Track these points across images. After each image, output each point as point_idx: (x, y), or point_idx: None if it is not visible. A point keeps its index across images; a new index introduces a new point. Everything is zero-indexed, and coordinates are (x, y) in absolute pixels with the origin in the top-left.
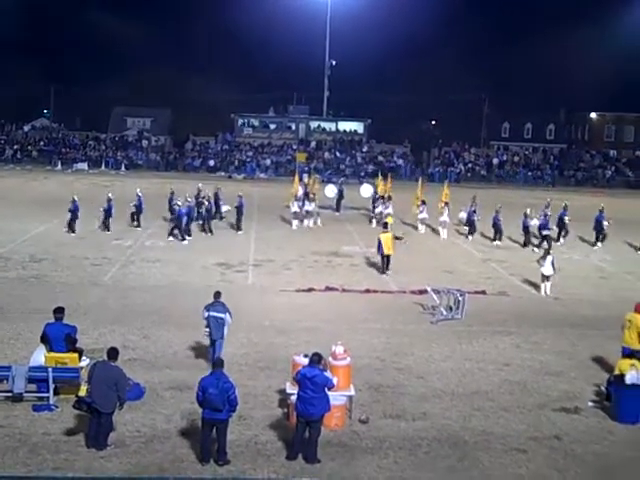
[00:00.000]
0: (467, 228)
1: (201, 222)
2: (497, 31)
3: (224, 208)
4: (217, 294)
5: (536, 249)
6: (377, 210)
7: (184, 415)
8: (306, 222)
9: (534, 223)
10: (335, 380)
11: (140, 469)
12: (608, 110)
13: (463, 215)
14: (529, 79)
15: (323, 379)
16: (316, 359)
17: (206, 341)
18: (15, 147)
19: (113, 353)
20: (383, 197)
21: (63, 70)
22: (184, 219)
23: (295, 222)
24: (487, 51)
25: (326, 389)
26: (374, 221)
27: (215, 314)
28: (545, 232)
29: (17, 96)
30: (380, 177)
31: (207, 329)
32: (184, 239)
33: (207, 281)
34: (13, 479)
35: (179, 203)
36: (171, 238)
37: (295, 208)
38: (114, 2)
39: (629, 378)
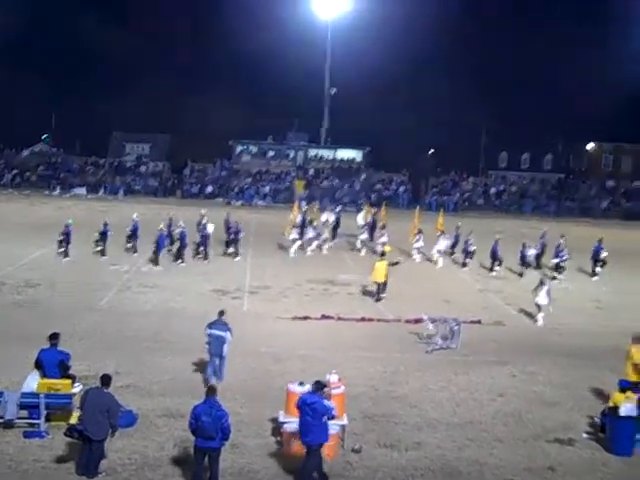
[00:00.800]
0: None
1: (199, 248)
2: (495, 62)
3: (210, 227)
4: (221, 313)
5: (559, 277)
6: (362, 237)
7: (177, 443)
8: (309, 249)
9: (531, 253)
10: (334, 410)
11: None
12: (606, 140)
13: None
14: (527, 109)
15: (322, 407)
16: (318, 387)
17: (202, 362)
18: (14, 172)
19: (106, 380)
20: (370, 225)
21: (63, 95)
22: (163, 244)
23: (293, 249)
24: (486, 81)
25: (325, 418)
26: (363, 250)
27: (216, 332)
28: (556, 260)
29: (16, 121)
30: (367, 205)
31: (207, 345)
32: (183, 261)
33: (203, 307)
34: None
35: (182, 225)
36: (179, 261)
37: (294, 235)
38: (115, 28)
39: (623, 410)
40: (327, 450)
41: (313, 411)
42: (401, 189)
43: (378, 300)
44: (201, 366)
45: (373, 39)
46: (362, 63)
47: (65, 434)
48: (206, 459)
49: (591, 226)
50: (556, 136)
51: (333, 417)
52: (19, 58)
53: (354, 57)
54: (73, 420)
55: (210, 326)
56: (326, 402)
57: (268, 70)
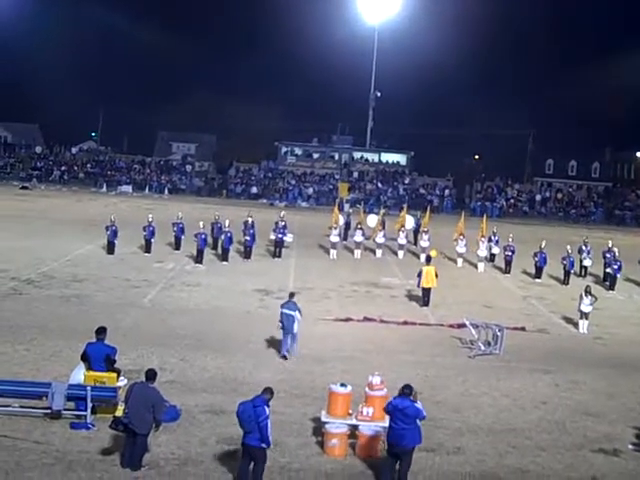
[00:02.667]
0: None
1: (245, 248)
2: (543, 67)
3: (288, 237)
4: (291, 295)
5: (612, 292)
6: (400, 241)
7: (219, 439)
8: (356, 252)
9: (588, 263)
10: (424, 411)
11: None
12: None
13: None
14: (575, 116)
15: (414, 411)
16: (407, 391)
17: (244, 360)
18: (63, 168)
19: (151, 374)
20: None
21: (112, 94)
22: (205, 243)
23: (333, 252)
24: (533, 87)
25: (417, 421)
26: (400, 253)
27: (287, 311)
28: (608, 270)
29: (66, 119)
30: (404, 210)
31: (280, 323)
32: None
33: (246, 307)
34: None
35: (227, 227)
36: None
37: (334, 238)
38: (164, 28)
39: None
40: (370, 451)
41: (405, 416)
42: (445, 194)
43: (426, 305)
44: (243, 365)
45: (419, 43)
46: (408, 67)
47: (110, 427)
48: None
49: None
50: (604, 144)
51: (424, 418)
52: (69, 58)
53: (400, 61)
54: (118, 413)
55: (282, 306)
56: (417, 405)
57: (314, 73)
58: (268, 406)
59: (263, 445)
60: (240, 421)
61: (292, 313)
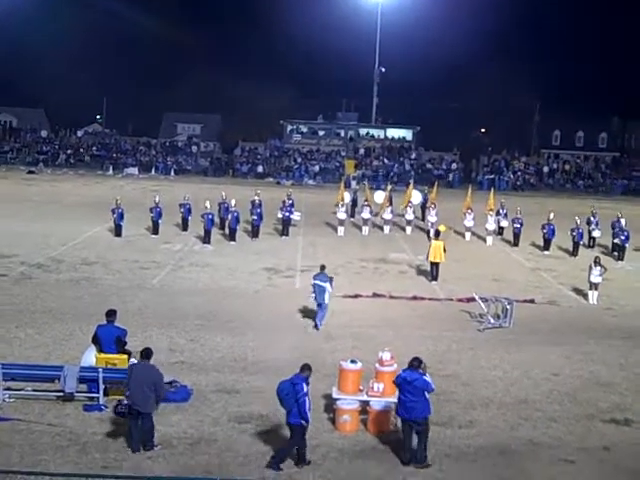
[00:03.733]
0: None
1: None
2: (548, 38)
3: (296, 215)
4: (322, 267)
5: (622, 262)
6: (408, 216)
7: (231, 418)
8: (364, 229)
9: (597, 234)
10: (433, 384)
11: (187, 470)
12: None
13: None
14: (581, 86)
15: (423, 383)
16: (416, 364)
17: (254, 339)
18: (69, 152)
19: (146, 353)
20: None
21: (116, 76)
22: (212, 223)
23: (341, 229)
24: (538, 58)
25: (426, 393)
26: (408, 228)
27: (319, 282)
28: (617, 241)
29: (71, 102)
30: (411, 185)
31: (313, 294)
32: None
33: (254, 286)
34: (63, 477)
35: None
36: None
37: (342, 215)
38: (166, 9)
39: None
40: (381, 426)
41: (414, 388)
42: (452, 167)
43: (434, 279)
44: (253, 344)
45: (423, 18)
46: (412, 42)
47: (115, 412)
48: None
49: None
50: (611, 114)
51: (433, 390)
52: (73, 41)
53: (404, 36)
54: None
55: (314, 277)
56: (426, 377)
57: (318, 50)
58: (307, 383)
59: (302, 422)
60: (280, 400)
61: (323, 284)
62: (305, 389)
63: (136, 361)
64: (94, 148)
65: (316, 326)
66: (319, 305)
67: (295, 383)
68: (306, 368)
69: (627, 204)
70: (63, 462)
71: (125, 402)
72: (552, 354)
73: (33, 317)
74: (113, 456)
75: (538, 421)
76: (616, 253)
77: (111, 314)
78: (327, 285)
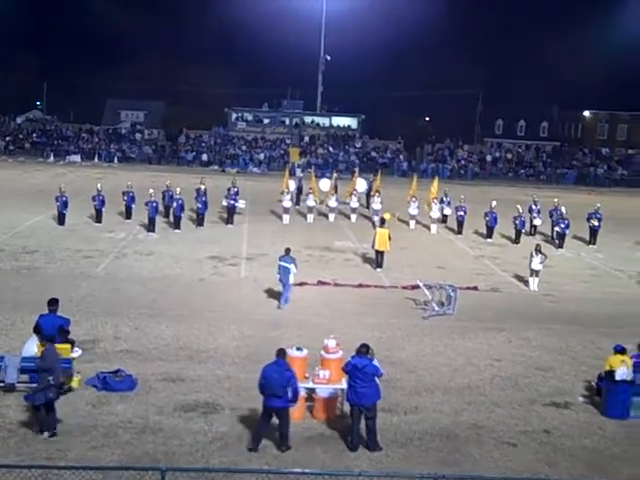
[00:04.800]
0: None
1: (198, 216)
2: (492, 28)
3: (241, 203)
4: (287, 250)
5: (561, 250)
6: (353, 204)
7: (176, 407)
8: (309, 217)
9: (538, 222)
10: (383, 369)
11: (133, 459)
12: (601, 108)
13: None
14: (523, 76)
15: (373, 369)
16: (364, 350)
17: (200, 328)
18: (8, 139)
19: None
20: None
21: (57, 61)
22: (155, 211)
23: (286, 217)
24: (482, 48)
25: (376, 378)
26: (353, 216)
27: (284, 264)
28: (557, 229)
29: (10, 87)
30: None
31: (278, 275)
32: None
33: (200, 274)
34: (5, 468)
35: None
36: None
37: (287, 203)
38: None
39: (619, 374)
40: (327, 413)
41: (364, 374)
42: (396, 156)
43: (379, 267)
44: (198, 332)
45: (368, 7)
46: (357, 30)
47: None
48: (273, 419)
49: (586, 194)
50: (552, 103)
51: (382, 375)
52: (12, 26)
53: (349, 24)
54: (74, 384)
55: (280, 259)
56: (375, 362)
57: (263, 37)
58: None
59: (290, 404)
60: (268, 386)
61: (289, 266)
62: (294, 373)
63: (80, 351)
64: (34, 135)
65: (279, 306)
66: (284, 285)
67: (285, 368)
68: (283, 352)
69: (568, 192)
70: (5, 453)
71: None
72: (495, 340)
73: None
74: (56, 447)
75: (481, 406)
76: (556, 241)
77: (53, 303)
78: (292, 266)
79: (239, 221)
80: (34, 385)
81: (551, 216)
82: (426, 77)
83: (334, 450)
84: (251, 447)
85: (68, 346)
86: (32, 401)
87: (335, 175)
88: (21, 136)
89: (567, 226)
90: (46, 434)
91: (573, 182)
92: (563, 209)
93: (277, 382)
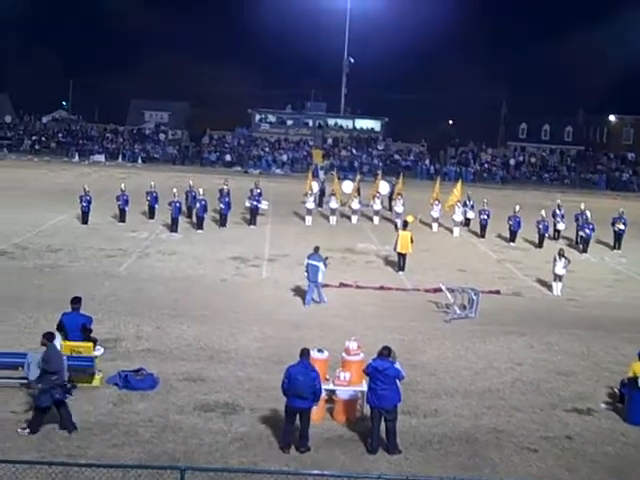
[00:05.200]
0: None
1: (221, 216)
2: (517, 32)
3: (263, 204)
4: (316, 248)
5: (585, 254)
6: (375, 207)
7: (197, 406)
8: (331, 219)
9: (562, 227)
10: (404, 371)
11: (152, 458)
12: (627, 113)
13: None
14: (548, 80)
15: (394, 371)
16: (386, 352)
17: (221, 328)
18: (33, 138)
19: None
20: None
21: (82, 62)
22: (179, 212)
23: (308, 218)
24: (506, 52)
25: (397, 381)
26: (375, 219)
27: (312, 262)
28: (582, 233)
29: (36, 87)
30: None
31: (306, 273)
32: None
33: (222, 275)
34: (27, 464)
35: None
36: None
37: (310, 205)
38: None
39: None
40: (347, 415)
41: (385, 376)
42: (419, 159)
43: (401, 270)
44: (219, 332)
45: (393, 9)
46: (381, 33)
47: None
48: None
49: (611, 198)
50: (577, 107)
51: (404, 378)
52: (39, 27)
53: (374, 27)
54: (95, 382)
55: (308, 257)
56: (396, 365)
57: (287, 39)
58: None
59: (314, 405)
60: (294, 387)
61: (317, 264)
62: (319, 373)
63: (102, 349)
64: (60, 134)
65: (305, 304)
66: (314, 283)
67: (311, 369)
68: (307, 353)
69: (593, 197)
70: (26, 449)
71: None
72: (516, 344)
73: None
74: (77, 444)
75: (502, 410)
76: (580, 245)
77: (76, 301)
78: (320, 264)
79: (262, 222)
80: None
81: (576, 220)
82: (450, 80)
83: (353, 452)
84: (282, 447)
85: (90, 344)
86: (39, 403)
87: (358, 177)
88: (46, 136)
89: (592, 230)
90: (66, 432)
91: (604, 187)
92: (588, 213)
93: (302, 383)
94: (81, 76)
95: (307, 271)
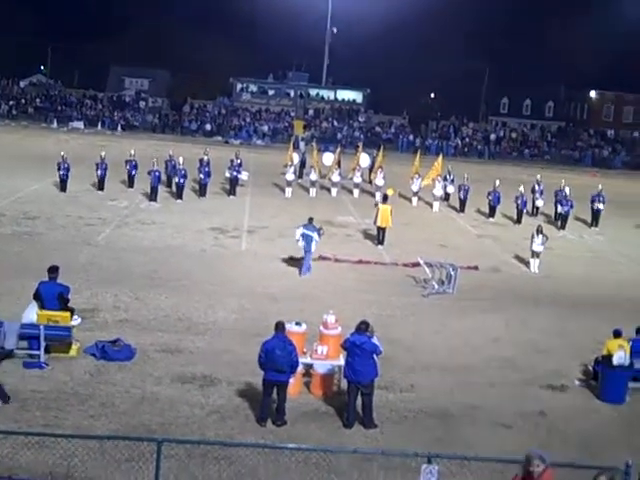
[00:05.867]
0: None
1: (201, 186)
2: (500, 5)
3: (243, 175)
4: (310, 219)
5: (563, 231)
6: (356, 179)
7: (174, 378)
8: (311, 191)
9: (540, 204)
10: (382, 347)
11: (129, 429)
12: (608, 89)
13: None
14: (530, 55)
15: (371, 346)
16: (364, 327)
17: (199, 300)
18: (11, 103)
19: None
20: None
21: (61, 26)
22: (158, 181)
23: (288, 190)
24: (488, 25)
25: (374, 355)
26: (356, 191)
27: (307, 232)
28: (560, 210)
29: (14, 51)
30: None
31: (298, 242)
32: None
33: (201, 245)
34: (2, 434)
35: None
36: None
37: (290, 176)
38: None
39: (616, 358)
40: (324, 389)
41: (362, 351)
42: (401, 132)
43: (380, 244)
44: (198, 304)
45: None
46: (365, 4)
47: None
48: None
49: (591, 175)
50: (558, 83)
51: (381, 353)
52: None
53: None
54: (72, 352)
55: (304, 227)
56: (374, 340)
57: (270, 8)
58: None
59: (291, 378)
60: (272, 361)
61: (311, 234)
62: (295, 346)
63: (79, 319)
64: (38, 100)
65: (303, 273)
66: (307, 253)
67: (288, 343)
68: (283, 326)
69: (572, 173)
70: (3, 419)
71: None
72: (493, 321)
73: None
74: (54, 414)
75: (477, 386)
76: (559, 222)
77: (54, 270)
78: (315, 234)
79: (241, 193)
80: (34, 352)
81: (556, 196)
82: (433, 54)
83: (330, 426)
84: (260, 420)
85: (67, 314)
86: None
87: (338, 150)
88: (24, 100)
89: (571, 207)
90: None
91: (590, 164)
92: (567, 190)
93: (279, 357)
94: (60, 41)
95: (298, 240)
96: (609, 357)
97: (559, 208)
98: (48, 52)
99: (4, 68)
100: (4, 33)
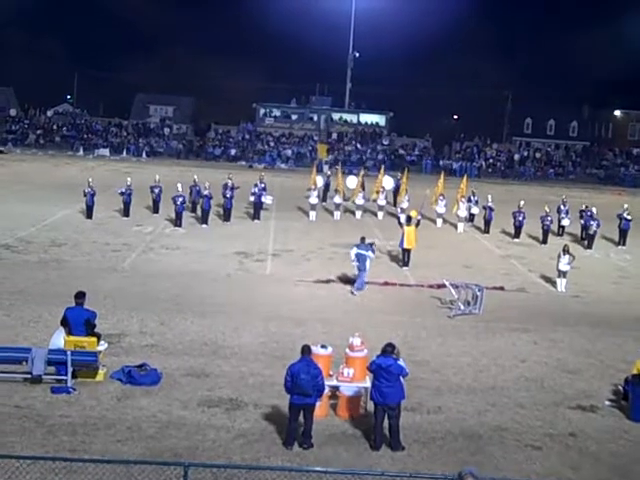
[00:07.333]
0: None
1: (225, 211)
2: (522, 26)
3: (268, 199)
4: (362, 238)
5: (590, 250)
6: (380, 202)
7: (200, 402)
8: (336, 214)
9: (566, 223)
10: (407, 368)
11: (155, 454)
12: (633, 108)
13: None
14: (553, 75)
15: (398, 369)
16: (390, 349)
17: (224, 324)
18: (38, 132)
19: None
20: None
21: (87, 55)
22: (183, 207)
23: (312, 213)
24: (511, 46)
25: (401, 378)
26: (380, 214)
27: (362, 252)
28: (587, 230)
29: (41, 81)
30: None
31: (354, 262)
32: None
33: (226, 269)
34: (30, 459)
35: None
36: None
37: (314, 200)
38: None
39: None
40: (350, 412)
41: (389, 373)
42: (424, 154)
43: (405, 265)
44: (223, 328)
45: (398, 4)
46: (386, 28)
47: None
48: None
49: (616, 194)
50: (582, 102)
51: (407, 375)
52: (43, 20)
53: (379, 21)
54: (99, 378)
55: (358, 247)
56: (400, 362)
57: (292, 33)
58: None
59: (318, 401)
60: (298, 385)
61: (366, 253)
62: (321, 369)
63: (106, 344)
64: (64, 128)
65: (352, 292)
66: (362, 272)
67: (313, 367)
68: (309, 349)
69: (597, 192)
70: (30, 444)
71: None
72: (520, 341)
73: (1, 298)
74: (81, 439)
75: (505, 407)
76: (585, 241)
77: (80, 296)
78: (369, 253)
79: (266, 217)
80: (61, 377)
81: (582, 216)
82: (455, 76)
83: (356, 449)
84: (286, 443)
85: (94, 339)
86: None
87: (362, 172)
88: (51, 130)
89: (597, 226)
90: None
91: (616, 183)
92: (594, 209)
93: (305, 381)
94: (86, 70)
95: (353, 260)
96: (639, 376)
97: (585, 228)
98: (74, 81)
99: (32, 98)
100: (31, 64)
